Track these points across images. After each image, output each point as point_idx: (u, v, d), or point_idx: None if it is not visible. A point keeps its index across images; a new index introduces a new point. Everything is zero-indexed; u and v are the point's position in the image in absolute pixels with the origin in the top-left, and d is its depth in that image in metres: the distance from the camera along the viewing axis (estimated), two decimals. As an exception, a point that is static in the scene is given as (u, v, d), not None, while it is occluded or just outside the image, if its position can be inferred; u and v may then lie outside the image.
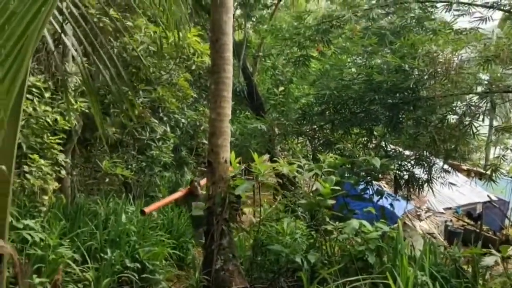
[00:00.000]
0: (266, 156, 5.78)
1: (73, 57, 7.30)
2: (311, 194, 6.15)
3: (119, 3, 7.09)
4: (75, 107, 6.14)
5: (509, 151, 6.60)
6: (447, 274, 4.97)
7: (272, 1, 12.55)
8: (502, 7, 5.76)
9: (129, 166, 7.93)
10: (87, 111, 6.49)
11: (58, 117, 5.76)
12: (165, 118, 8.62)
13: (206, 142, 10.07)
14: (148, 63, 7.85)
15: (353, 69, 7.12)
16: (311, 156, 7.32)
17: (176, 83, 8.48)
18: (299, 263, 5.14)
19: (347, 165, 6.19)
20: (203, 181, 7.61)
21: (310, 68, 8.34)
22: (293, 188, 7.11)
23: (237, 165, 5.77)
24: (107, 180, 7.55)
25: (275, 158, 6.43)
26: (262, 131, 7.26)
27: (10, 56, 1.70)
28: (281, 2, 12.24)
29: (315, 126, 7.14)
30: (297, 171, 5.37)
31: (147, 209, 6.76)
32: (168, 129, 8.53)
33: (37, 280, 4.72)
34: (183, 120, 9.22)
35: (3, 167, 1.68)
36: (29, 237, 5.08)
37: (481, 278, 4.93)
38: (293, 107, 7.65)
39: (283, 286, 5.43)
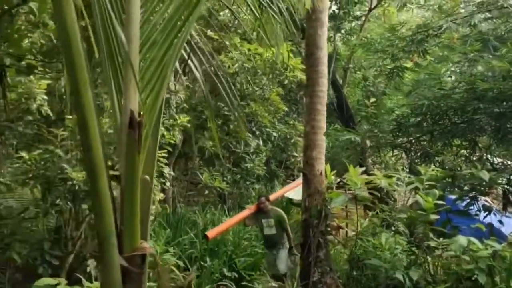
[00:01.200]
0: (360, 169, 5.69)
1: (174, 76, 7.86)
2: (410, 208, 5.93)
3: (216, 24, 7.51)
4: (178, 122, 6.57)
5: None
6: None
7: (362, 13, 12.41)
8: None
9: (224, 178, 8.27)
10: (188, 126, 6.92)
11: (165, 132, 6.20)
12: (257, 132, 8.89)
13: (296, 155, 10.20)
14: (242, 79, 8.18)
15: (453, 78, 6.78)
16: (408, 169, 7.06)
17: (269, 98, 8.72)
18: (400, 279, 4.95)
19: (448, 179, 5.88)
20: (273, 196, 7.36)
21: (404, 79, 8.09)
22: (389, 202, 6.90)
23: (332, 177, 5.76)
24: (206, 192, 7.94)
25: (372, 172, 6.32)
26: (354, 144, 7.18)
27: (152, 79, 1.93)
28: (371, 13, 12.02)
29: (412, 138, 6.88)
30: (397, 185, 5.22)
31: (210, 234, 6.42)
32: (261, 142, 8.77)
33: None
34: (274, 134, 9.42)
35: (147, 177, 1.89)
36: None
37: None
38: (386, 118, 7.47)
39: (382, 303, 5.27)
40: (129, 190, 1.85)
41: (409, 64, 7.96)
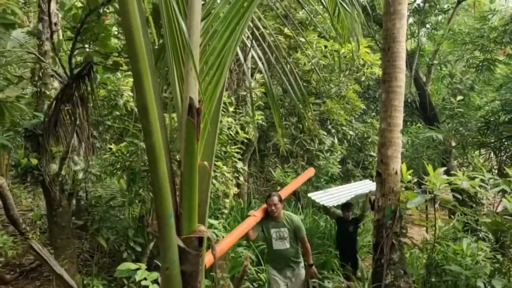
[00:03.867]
0: (442, 169, 5.34)
1: (251, 74, 8.02)
2: (496, 213, 5.46)
3: (293, 21, 7.53)
4: (254, 119, 6.69)
5: None
6: None
7: (450, 5, 11.66)
8: None
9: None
10: (263, 124, 7.01)
11: (239, 129, 6.35)
12: (333, 130, 8.76)
13: (374, 154, 9.87)
14: (318, 76, 8.11)
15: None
16: (497, 171, 6.52)
17: (345, 96, 8.55)
18: (482, 288, 4.60)
19: (544, 182, 5.32)
20: (284, 192, 5.63)
21: (495, 73, 7.48)
22: (474, 205, 6.42)
23: (409, 177, 5.49)
24: (278, 188, 8.00)
25: (451, 172, 5.91)
26: (436, 142, 6.79)
27: (212, 68, 2.00)
28: (461, 5, 11.25)
29: (502, 137, 6.34)
30: (480, 186, 4.83)
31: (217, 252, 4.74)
32: (336, 141, 8.63)
33: (219, 275, 5.28)
34: (350, 132, 9.22)
35: (206, 163, 1.96)
36: (214, 236, 5.69)
37: None
38: (474, 116, 6.96)
39: (463, 312, 4.92)
40: (188, 176, 1.94)
41: (501, 57, 7.34)
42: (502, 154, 6.49)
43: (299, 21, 8.34)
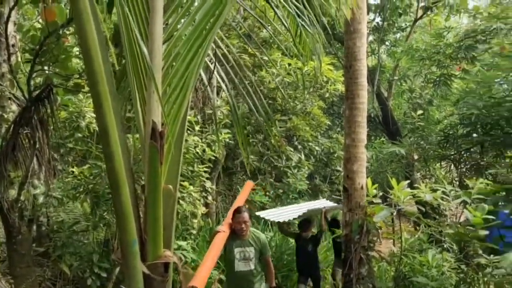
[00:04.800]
0: (405, 183, 5.48)
1: (217, 93, 8.03)
2: (459, 224, 5.63)
3: (256, 40, 7.62)
4: (220, 138, 6.68)
5: None
6: None
7: (407, 24, 12.14)
8: None
9: (267, 193, 8.26)
10: (231, 142, 7.01)
11: (206, 148, 6.32)
12: (299, 146, 8.85)
13: (341, 169, 10.02)
14: (283, 94, 8.21)
15: (505, 86, 6.45)
16: (457, 183, 6.74)
17: (310, 112, 8.68)
18: (448, 298, 4.70)
19: (501, 192, 5.53)
20: (238, 199, 5.18)
21: (452, 88, 7.81)
22: (437, 217, 6.60)
23: (374, 191, 5.59)
24: (246, 206, 7.97)
25: (415, 185, 6.07)
26: (399, 156, 6.97)
27: (175, 91, 1.99)
28: (417, 23, 11.74)
29: (461, 149, 6.58)
30: (442, 198, 4.97)
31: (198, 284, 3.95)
32: (303, 156, 8.72)
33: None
34: (317, 148, 9.34)
35: (170, 186, 1.93)
36: (182, 257, 5.59)
37: None
38: (433, 129, 7.21)
39: (430, 323, 5.00)
40: (152, 200, 1.89)
41: (457, 72, 7.67)
42: (462, 166, 6.73)
43: (263, 39, 8.46)
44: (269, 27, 6.86)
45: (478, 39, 6.86)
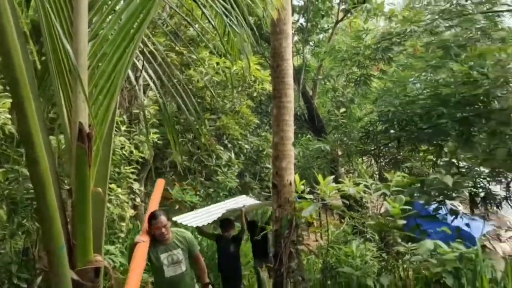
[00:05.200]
0: (331, 178, 5.74)
1: (144, 92, 7.83)
2: (380, 215, 6.01)
3: (184, 38, 7.54)
4: (148, 138, 6.53)
5: None
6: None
7: (329, 25, 12.68)
8: None
9: (197, 193, 8.22)
10: (159, 142, 6.88)
11: (133, 149, 6.15)
12: (229, 145, 8.90)
13: (270, 166, 10.24)
14: (212, 93, 8.21)
15: (418, 85, 6.97)
16: (378, 176, 7.18)
17: (239, 111, 8.77)
18: (371, 286, 5.01)
19: (416, 184, 5.99)
20: (152, 201, 4.51)
21: (371, 87, 8.29)
22: (360, 209, 6.98)
23: (302, 187, 5.80)
24: (177, 207, 7.88)
25: (340, 180, 6.38)
26: (324, 152, 7.27)
27: (102, 92, 1.93)
28: (338, 25, 12.31)
29: (380, 145, 7.01)
30: (364, 191, 5.28)
31: None
32: (233, 155, 8.78)
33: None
34: (246, 146, 9.45)
35: (99, 189, 1.88)
36: (111, 262, 5.41)
37: None
38: (355, 126, 7.60)
39: (356, 310, 5.30)
40: (80, 204, 1.83)
41: (375, 72, 8.14)
42: (381, 160, 7.16)
43: (190, 38, 8.39)
44: (196, 26, 6.83)
45: (393, 41, 7.32)
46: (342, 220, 8.53)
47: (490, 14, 6.35)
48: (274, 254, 5.61)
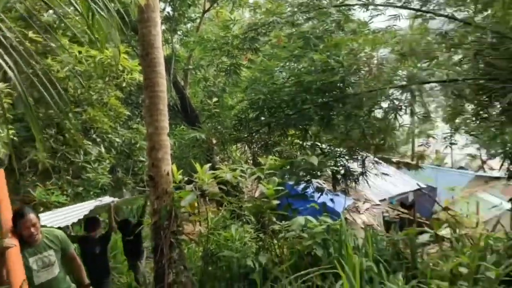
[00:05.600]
0: (207, 166, 5.80)
1: (-8, 83, 6.91)
2: (255, 198, 6.28)
3: (39, 25, 6.81)
4: (2, 135, 5.81)
5: (431, 139, 7.20)
6: (389, 257, 5.31)
7: (197, 15, 12.67)
8: (410, 6, 6.27)
9: (65, 192, 7.59)
10: (15, 138, 6.17)
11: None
12: (98, 139, 8.38)
13: (144, 160, 9.92)
14: (75, 84, 7.61)
15: (283, 73, 7.39)
16: (252, 161, 7.48)
17: (107, 102, 8.28)
18: (251, 265, 5.22)
19: (286, 166, 6.38)
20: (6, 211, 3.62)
21: (241, 76, 8.54)
22: (237, 194, 7.20)
23: (180, 177, 5.76)
24: (42, 209, 7.18)
25: (217, 166, 6.48)
26: (200, 141, 7.32)
27: None
28: (206, 15, 12.38)
29: (252, 131, 7.30)
30: (241, 176, 5.46)
31: None
32: (103, 149, 8.30)
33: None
34: (117, 140, 9.00)
35: None
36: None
37: (419, 256, 5.33)
38: (228, 115, 7.78)
39: (238, 291, 5.48)
40: None
41: (244, 62, 8.40)
42: (254, 146, 7.47)
43: (46, 24, 7.62)
44: (51, 12, 6.24)
45: (259, 31, 7.63)
46: (220, 207, 8.70)
47: (342, 7, 7.00)
48: (154, 246, 5.49)
